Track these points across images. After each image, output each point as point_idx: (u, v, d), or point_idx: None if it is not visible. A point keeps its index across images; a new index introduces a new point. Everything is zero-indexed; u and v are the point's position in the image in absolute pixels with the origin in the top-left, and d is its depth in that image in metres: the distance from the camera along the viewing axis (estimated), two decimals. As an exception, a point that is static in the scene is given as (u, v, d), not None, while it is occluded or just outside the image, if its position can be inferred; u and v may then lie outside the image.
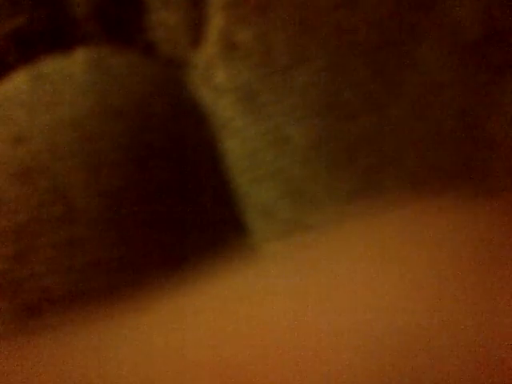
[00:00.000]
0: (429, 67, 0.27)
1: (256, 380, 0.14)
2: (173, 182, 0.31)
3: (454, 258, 0.15)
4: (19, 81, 0.34)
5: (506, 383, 0.13)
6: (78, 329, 0.18)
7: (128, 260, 0.30)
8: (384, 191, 0.27)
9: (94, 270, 0.30)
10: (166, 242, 0.30)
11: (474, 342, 0.13)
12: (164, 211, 0.31)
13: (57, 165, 0.31)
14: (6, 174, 0.31)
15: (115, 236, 0.30)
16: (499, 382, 0.13)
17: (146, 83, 0.33)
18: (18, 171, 0.31)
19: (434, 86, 0.27)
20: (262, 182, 0.30)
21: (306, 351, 0.14)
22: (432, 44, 0.27)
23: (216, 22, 0.33)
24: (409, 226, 0.17)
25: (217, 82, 0.32)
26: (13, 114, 0.32)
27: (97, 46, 0.34)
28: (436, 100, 0.27)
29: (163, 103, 0.32)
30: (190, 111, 0.33)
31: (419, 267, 0.15)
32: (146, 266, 0.30)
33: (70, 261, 0.30)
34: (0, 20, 0.36)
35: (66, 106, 0.32)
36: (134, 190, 0.30)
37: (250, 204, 0.31)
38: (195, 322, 0.16)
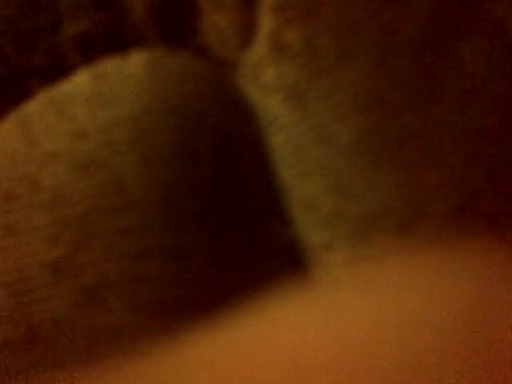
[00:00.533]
0: (472, 65, 0.28)
1: None
2: (222, 176, 0.33)
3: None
4: (80, 80, 0.36)
5: None
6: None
7: (179, 247, 0.32)
8: (425, 186, 0.28)
9: (146, 257, 0.32)
10: (214, 232, 0.32)
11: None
12: (214, 204, 0.32)
13: (115, 159, 0.33)
14: (66, 167, 0.34)
15: (167, 226, 0.32)
16: None
17: (199, 83, 0.35)
18: (78, 165, 0.33)
19: (477, 83, 0.28)
20: (306, 176, 0.31)
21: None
22: (475, 42, 0.28)
23: (265, 25, 0.34)
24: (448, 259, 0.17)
25: (265, 81, 0.34)
26: (74, 110, 0.35)
27: (153, 48, 0.37)
28: (479, 98, 0.28)
29: (214, 102, 0.34)
30: (239, 109, 0.35)
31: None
32: (195, 254, 0.32)
33: (125, 248, 0.32)
34: (65, 24, 0.38)
35: (124, 104, 0.34)
36: (186, 184, 0.32)
37: (294, 197, 0.32)
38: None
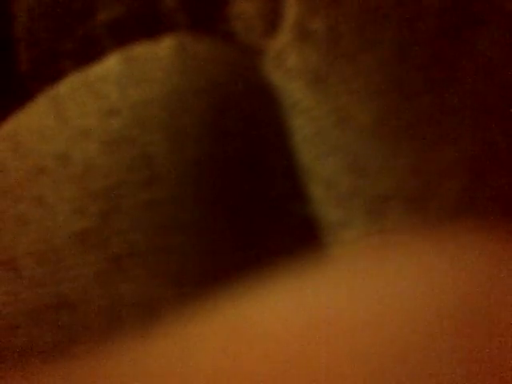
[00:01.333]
0: (486, 53, 0.30)
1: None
2: (245, 155, 0.35)
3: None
4: (112, 62, 0.38)
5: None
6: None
7: (202, 221, 0.33)
8: (438, 167, 0.30)
9: (172, 229, 0.33)
10: (236, 207, 0.34)
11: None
12: (236, 180, 0.34)
13: (144, 136, 0.35)
14: (97, 143, 0.35)
15: (192, 200, 0.34)
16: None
17: (225, 67, 0.37)
18: (109, 140, 0.35)
19: (491, 70, 0.29)
20: (326, 157, 0.33)
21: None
22: (490, 31, 0.29)
23: (291, 13, 0.36)
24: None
25: (289, 66, 0.35)
26: (105, 90, 0.36)
27: (183, 33, 0.39)
28: (492, 83, 0.29)
29: (239, 85, 0.36)
30: (263, 93, 0.36)
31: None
32: (218, 227, 0.33)
33: (151, 220, 0.34)
34: (100, 9, 0.40)
35: (154, 84, 0.36)
36: (211, 161, 0.34)
37: (314, 177, 0.34)
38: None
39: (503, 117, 0.30)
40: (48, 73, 0.41)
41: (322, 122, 0.33)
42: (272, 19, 0.37)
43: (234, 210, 0.34)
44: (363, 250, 0.17)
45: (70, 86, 0.38)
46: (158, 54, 0.37)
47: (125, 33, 0.40)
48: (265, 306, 0.16)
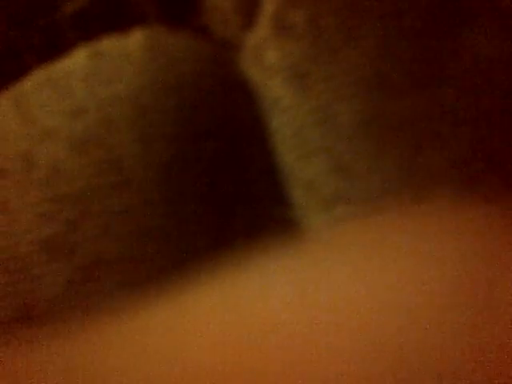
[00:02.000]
0: (476, 49, 0.29)
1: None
2: (221, 156, 0.33)
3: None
4: (78, 57, 0.36)
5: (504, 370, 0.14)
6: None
7: (176, 228, 0.32)
8: (427, 169, 0.29)
9: (144, 236, 0.32)
10: (213, 213, 0.32)
11: (473, 336, 0.14)
12: (212, 184, 0.33)
13: (113, 137, 0.33)
14: (63, 144, 0.34)
15: (165, 206, 0.32)
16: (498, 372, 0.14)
17: (199, 62, 0.35)
18: (76, 142, 0.34)
19: (481, 67, 0.28)
20: (308, 158, 0.32)
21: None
22: (480, 27, 0.28)
23: (268, 5, 0.35)
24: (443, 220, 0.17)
25: (267, 62, 0.34)
26: (71, 87, 0.35)
27: (153, 26, 0.37)
28: (482, 81, 0.28)
29: (215, 82, 0.35)
30: (240, 90, 0.35)
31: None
32: (194, 233, 0.32)
33: (121, 227, 0.32)
34: (64, 1, 0.38)
35: (123, 81, 0.34)
36: (184, 163, 0.33)
37: (295, 180, 0.33)
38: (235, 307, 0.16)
39: (494, 115, 0.29)
40: (9, 69, 0.39)
41: (303, 121, 0.32)
42: (249, 12, 0.35)
43: (210, 215, 0.33)
44: (348, 233, 0.18)
45: (33, 83, 0.36)
46: (127, 48, 0.35)
47: (91, 26, 0.38)
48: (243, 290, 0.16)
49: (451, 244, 0.16)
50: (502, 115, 0.29)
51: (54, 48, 0.39)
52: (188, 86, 0.34)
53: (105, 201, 0.32)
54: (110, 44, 0.36)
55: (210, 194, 0.33)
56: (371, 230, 0.17)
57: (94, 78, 0.35)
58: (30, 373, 0.16)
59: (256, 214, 0.33)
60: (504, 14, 0.28)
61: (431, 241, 0.16)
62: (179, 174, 0.33)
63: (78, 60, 0.37)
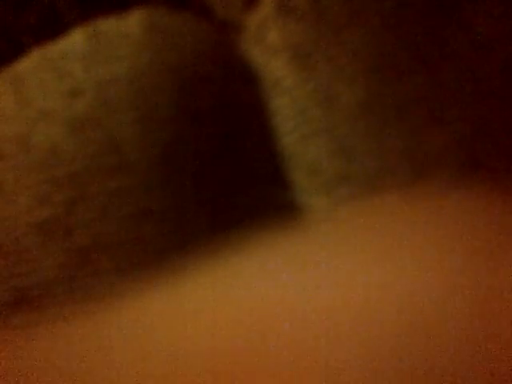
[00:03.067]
0: (480, 27, 0.29)
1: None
2: (221, 137, 0.33)
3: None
4: (76, 38, 0.36)
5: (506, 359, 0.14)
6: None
7: (174, 211, 0.32)
8: (429, 149, 0.29)
9: (141, 219, 0.32)
10: (212, 194, 0.32)
11: (473, 324, 0.14)
12: (212, 166, 0.33)
13: (111, 118, 0.33)
14: (61, 126, 0.34)
15: (163, 188, 0.32)
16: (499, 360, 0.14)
17: (200, 43, 0.35)
18: (73, 123, 0.33)
19: (485, 45, 0.28)
20: (309, 139, 0.32)
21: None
22: (484, 4, 0.28)
23: (271, -15, 0.35)
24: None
25: (269, 42, 0.34)
26: (68, 68, 0.35)
27: (154, 6, 0.37)
28: (486, 60, 0.28)
29: (215, 63, 0.34)
30: (241, 71, 0.35)
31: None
32: (193, 216, 0.32)
33: (119, 209, 0.32)
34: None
35: (121, 62, 0.34)
36: (184, 144, 0.33)
37: (296, 162, 0.33)
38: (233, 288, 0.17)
39: (498, 96, 0.29)
40: (6, 49, 0.39)
41: (304, 102, 0.32)
42: (250, -8, 0.35)
43: (209, 197, 0.32)
44: (349, 217, 0.18)
45: (30, 64, 0.36)
46: (126, 29, 0.35)
47: (90, 6, 0.38)
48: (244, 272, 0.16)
49: (450, 229, 0.16)
50: (503, 96, 0.28)
51: (50, 28, 0.39)
52: (188, 67, 0.34)
53: (102, 183, 0.32)
54: (108, 24, 0.36)
55: (210, 176, 0.33)
56: (371, 214, 0.17)
57: (92, 59, 0.35)
58: (27, 356, 0.16)
59: (256, 196, 0.32)
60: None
61: (430, 226, 0.16)
62: (178, 156, 0.32)
63: (75, 40, 0.36)
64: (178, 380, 0.14)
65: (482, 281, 0.15)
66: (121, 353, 0.16)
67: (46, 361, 0.16)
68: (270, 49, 0.33)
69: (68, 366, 0.16)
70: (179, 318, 0.16)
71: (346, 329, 0.14)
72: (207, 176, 0.33)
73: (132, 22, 0.35)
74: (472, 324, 0.14)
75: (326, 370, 0.14)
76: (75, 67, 0.35)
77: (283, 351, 0.14)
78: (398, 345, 0.14)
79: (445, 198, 0.17)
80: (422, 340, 0.14)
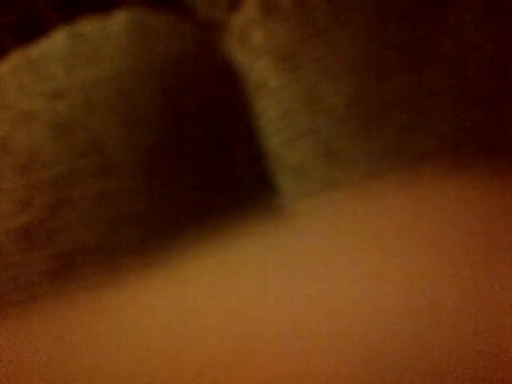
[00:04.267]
0: (465, 29, 0.29)
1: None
2: (206, 140, 0.33)
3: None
4: (58, 39, 0.36)
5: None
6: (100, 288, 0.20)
7: (158, 214, 0.32)
8: (416, 152, 0.29)
9: (125, 222, 0.32)
10: (196, 198, 0.33)
11: (473, 314, 0.14)
12: (196, 169, 0.33)
13: (94, 120, 0.33)
14: (43, 128, 0.34)
15: (148, 190, 0.32)
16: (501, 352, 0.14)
17: (183, 44, 0.35)
18: (55, 125, 0.33)
19: (470, 47, 0.29)
20: (295, 141, 0.32)
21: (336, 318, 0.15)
22: (470, 6, 0.29)
23: (255, -14, 0.35)
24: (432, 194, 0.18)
25: (253, 43, 0.34)
26: (51, 69, 0.35)
27: (137, 7, 0.37)
28: (471, 62, 0.29)
29: (199, 64, 0.35)
30: (226, 72, 0.35)
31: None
32: (176, 221, 0.32)
33: (102, 213, 0.32)
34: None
35: (104, 63, 0.34)
36: (168, 147, 0.33)
37: (282, 164, 0.33)
38: (217, 282, 0.17)
39: (483, 99, 0.29)
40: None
41: (290, 104, 0.32)
42: (235, -8, 0.36)
43: (193, 200, 0.33)
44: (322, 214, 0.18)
45: (11, 65, 0.36)
46: (109, 30, 0.35)
47: (72, 7, 0.38)
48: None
49: (429, 223, 0.16)
50: (490, 96, 0.29)
51: (32, 30, 0.39)
52: (172, 68, 0.34)
53: (85, 186, 0.32)
54: (90, 25, 0.36)
55: (193, 178, 0.33)
56: (357, 205, 0.18)
57: (75, 60, 0.35)
58: (8, 359, 0.17)
59: (241, 199, 0.33)
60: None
61: (415, 222, 0.17)
62: (162, 159, 0.33)
63: (57, 42, 0.36)
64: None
65: (476, 271, 0.15)
66: (105, 355, 0.16)
67: (27, 364, 0.16)
68: (255, 50, 0.33)
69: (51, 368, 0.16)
70: (164, 317, 0.16)
71: (337, 319, 0.14)
72: (191, 178, 0.33)
73: (114, 23, 0.35)
74: (468, 317, 0.14)
75: (316, 358, 0.14)
76: (57, 69, 0.35)
77: (272, 339, 0.14)
78: (393, 338, 0.14)
79: (432, 190, 0.18)
80: (418, 334, 0.14)
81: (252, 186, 0.33)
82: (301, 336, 0.14)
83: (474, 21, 0.29)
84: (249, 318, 0.15)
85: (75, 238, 0.32)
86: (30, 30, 0.39)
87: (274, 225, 0.18)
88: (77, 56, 0.35)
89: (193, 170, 0.33)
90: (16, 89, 0.35)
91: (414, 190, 0.18)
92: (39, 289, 0.32)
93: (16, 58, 0.36)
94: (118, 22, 0.35)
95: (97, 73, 0.34)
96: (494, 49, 0.28)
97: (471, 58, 0.29)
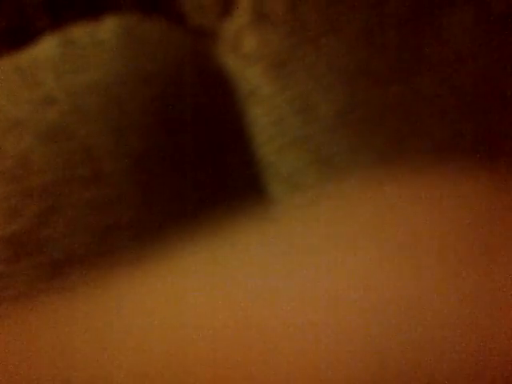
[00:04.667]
0: (456, 38, 0.29)
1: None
2: (198, 148, 0.33)
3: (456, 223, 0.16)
4: (48, 45, 0.36)
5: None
6: (95, 290, 0.20)
7: (150, 223, 0.32)
8: (408, 160, 0.29)
9: (116, 231, 0.32)
10: (188, 206, 0.32)
11: (472, 303, 0.15)
12: (188, 177, 0.33)
13: (84, 128, 0.33)
14: (33, 135, 0.33)
15: (139, 199, 0.32)
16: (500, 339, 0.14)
17: (175, 51, 0.35)
18: (45, 132, 0.33)
19: (462, 55, 0.29)
20: (287, 149, 0.32)
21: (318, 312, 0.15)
22: (460, 15, 0.29)
23: (247, -8, 0.35)
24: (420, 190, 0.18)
25: (246, 50, 0.34)
26: (40, 76, 0.35)
27: (128, 14, 0.37)
28: (462, 69, 0.29)
29: (191, 71, 0.35)
30: (218, 79, 0.35)
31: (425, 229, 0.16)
32: (168, 229, 0.32)
33: (93, 221, 0.32)
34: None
35: (95, 70, 0.34)
36: (159, 155, 0.33)
37: (275, 173, 0.33)
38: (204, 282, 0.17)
39: (475, 106, 0.29)
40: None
41: (282, 111, 0.32)
42: (226, -1, 0.36)
43: (185, 209, 0.33)
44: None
45: (1, 72, 0.36)
46: (100, 36, 0.35)
47: (62, 13, 0.38)
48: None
49: (425, 219, 0.16)
50: (482, 103, 0.29)
51: (21, 35, 0.38)
52: (163, 75, 0.34)
53: (75, 194, 0.32)
54: (81, 32, 0.36)
55: (185, 187, 0.33)
56: (345, 200, 0.18)
57: (65, 67, 0.35)
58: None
59: (234, 207, 0.33)
60: (479, 4, 0.29)
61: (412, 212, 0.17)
62: (153, 167, 0.32)
63: (47, 48, 0.36)
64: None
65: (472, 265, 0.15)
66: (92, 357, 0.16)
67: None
68: (247, 57, 0.33)
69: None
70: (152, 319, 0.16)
71: (330, 314, 0.14)
72: (183, 187, 0.33)
73: (105, 30, 0.35)
74: (467, 311, 0.14)
75: (312, 352, 0.14)
76: (47, 76, 0.35)
77: (265, 337, 0.14)
78: (390, 331, 0.14)
79: (429, 187, 0.18)
80: (416, 327, 0.14)
81: (244, 194, 0.33)
82: (296, 330, 0.14)
83: (465, 29, 0.29)
84: (244, 314, 0.15)
85: (65, 247, 0.32)
86: (20, 36, 0.39)
87: (265, 219, 0.18)
88: (67, 63, 0.35)
89: (184, 177, 0.33)
90: (6, 95, 0.35)
91: (411, 186, 0.18)
92: (27, 297, 0.31)
93: (5, 64, 0.36)
94: (108, 28, 0.35)
95: (87, 80, 0.34)
96: (486, 56, 0.29)
97: (463, 66, 0.29)
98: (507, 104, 0.28)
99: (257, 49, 0.33)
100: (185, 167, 0.33)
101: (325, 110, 0.31)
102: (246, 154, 0.34)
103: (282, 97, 0.32)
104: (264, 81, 0.33)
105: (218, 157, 0.33)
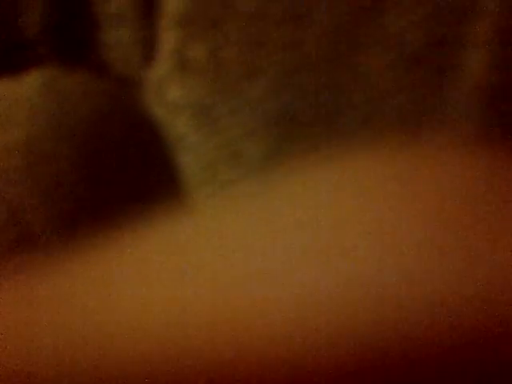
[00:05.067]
0: (374, 77, 0.30)
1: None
2: (130, 201, 0.33)
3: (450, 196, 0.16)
4: (-32, 105, 0.35)
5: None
6: None
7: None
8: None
9: None
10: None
11: (472, 278, 0.14)
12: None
13: (8, 190, 0.32)
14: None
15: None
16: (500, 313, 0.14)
17: (99, 102, 0.35)
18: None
19: (381, 94, 0.29)
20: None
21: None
22: (375, 54, 0.29)
23: (168, 39, 0.35)
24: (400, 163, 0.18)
25: (170, 98, 0.34)
26: None
27: (49, 67, 0.36)
28: (383, 108, 0.29)
29: (117, 122, 0.34)
30: (146, 129, 0.35)
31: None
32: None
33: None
34: None
35: (17, 128, 0.33)
36: (90, 210, 0.32)
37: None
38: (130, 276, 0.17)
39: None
40: None
41: (210, 158, 0.32)
42: (149, 46, 0.35)
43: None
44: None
45: None
46: (21, 92, 0.35)
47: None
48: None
49: (426, 190, 0.16)
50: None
51: None
52: (88, 128, 0.34)
53: (4, 260, 0.31)
54: (2, 88, 0.36)
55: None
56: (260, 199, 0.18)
57: (-16, 127, 0.34)
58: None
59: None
60: (395, 40, 0.29)
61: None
62: (84, 223, 0.32)
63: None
64: None
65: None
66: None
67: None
68: (172, 105, 0.33)
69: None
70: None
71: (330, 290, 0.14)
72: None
73: (26, 85, 0.35)
74: (470, 284, 0.14)
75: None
76: None
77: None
78: (391, 306, 0.14)
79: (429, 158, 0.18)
80: (418, 303, 0.14)
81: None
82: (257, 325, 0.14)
83: (385, 68, 0.30)
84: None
85: None
86: None
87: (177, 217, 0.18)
88: None
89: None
90: None
91: (409, 157, 0.18)
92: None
93: None
94: (29, 84, 0.35)
95: (9, 139, 0.33)
96: (405, 95, 0.29)
97: (381, 106, 0.29)
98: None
99: (180, 97, 0.33)
100: (118, 219, 0.33)
101: (249, 155, 0.31)
102: (178, 201, 0.33)
103: (208, 144, 0.32)
104: (190, 129, 0.33)
105: (150, 208, 0.33)
